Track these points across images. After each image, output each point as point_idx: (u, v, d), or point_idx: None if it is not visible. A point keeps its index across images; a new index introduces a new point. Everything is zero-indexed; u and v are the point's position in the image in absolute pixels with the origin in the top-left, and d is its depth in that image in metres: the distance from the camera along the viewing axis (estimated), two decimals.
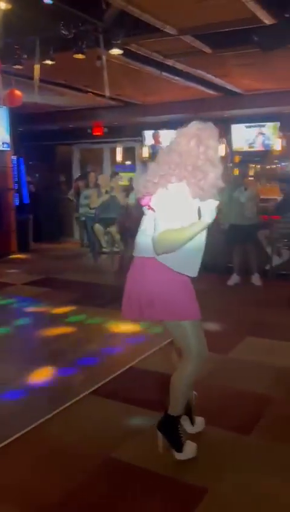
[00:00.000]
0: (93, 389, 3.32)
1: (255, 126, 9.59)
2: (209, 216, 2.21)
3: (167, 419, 2.48)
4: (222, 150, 9.44)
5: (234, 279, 6.48)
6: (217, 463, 2.51)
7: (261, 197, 6.88)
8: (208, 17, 5.01)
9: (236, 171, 7.65)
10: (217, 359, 3.87)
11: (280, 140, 8.97)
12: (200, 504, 2.20)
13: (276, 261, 6.46)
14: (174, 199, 2.22)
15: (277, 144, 9.06)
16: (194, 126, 2.29)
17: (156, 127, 10.66)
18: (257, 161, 7.18)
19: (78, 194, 9.75)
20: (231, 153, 9.80)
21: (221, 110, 8.89)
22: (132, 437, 2.76)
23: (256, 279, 6.45)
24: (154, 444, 2.54)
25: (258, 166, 9.79)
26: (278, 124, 9.27)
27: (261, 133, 9.62)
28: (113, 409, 3.09)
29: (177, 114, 9.40)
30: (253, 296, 6.00)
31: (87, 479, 2.40)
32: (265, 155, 9.78)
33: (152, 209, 2.28)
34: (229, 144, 9.62)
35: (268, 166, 10.37)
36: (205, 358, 2.44)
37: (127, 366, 3.72)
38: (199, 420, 2.78)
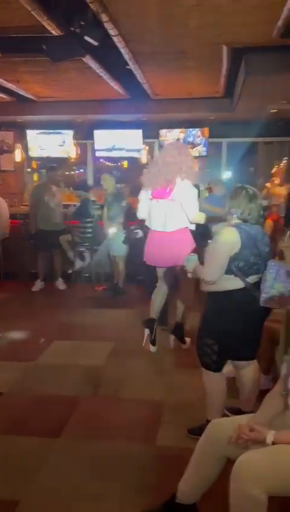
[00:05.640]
0: None
1: (53, 133, 9.69)
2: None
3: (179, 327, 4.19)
4: (18, 155, 9.33)
5: (39, 284, 6.47)
6: (27, 472, 2.49)
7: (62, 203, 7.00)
8: None
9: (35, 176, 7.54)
10: (25, 367, 3.85)
11: (75, 148, 9.32)
12: None
13: (78, 264, 6.67)
14: (193, 192, 3.88)
15: (73, 151, 9.39)
16: (178, 143, 4.04)
17: None
18: (55, 167, 7.33)
19: None
20: (27, 158, 9.72)
21: (14, 115, 8.77)
22: None
23: (60, 284, 6.57)
24: None
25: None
26: (72, 132, 9.56)
27: (61, 141, 9.77)
28: None
29: None
30: (58, 300, 6.10)
31: None
32: (62, 161, 9.97)
33: (173, 200, 3.81)
34: (25, 149, 9.53)
35: (67, 173, 10.62)
36: None
37: None
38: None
